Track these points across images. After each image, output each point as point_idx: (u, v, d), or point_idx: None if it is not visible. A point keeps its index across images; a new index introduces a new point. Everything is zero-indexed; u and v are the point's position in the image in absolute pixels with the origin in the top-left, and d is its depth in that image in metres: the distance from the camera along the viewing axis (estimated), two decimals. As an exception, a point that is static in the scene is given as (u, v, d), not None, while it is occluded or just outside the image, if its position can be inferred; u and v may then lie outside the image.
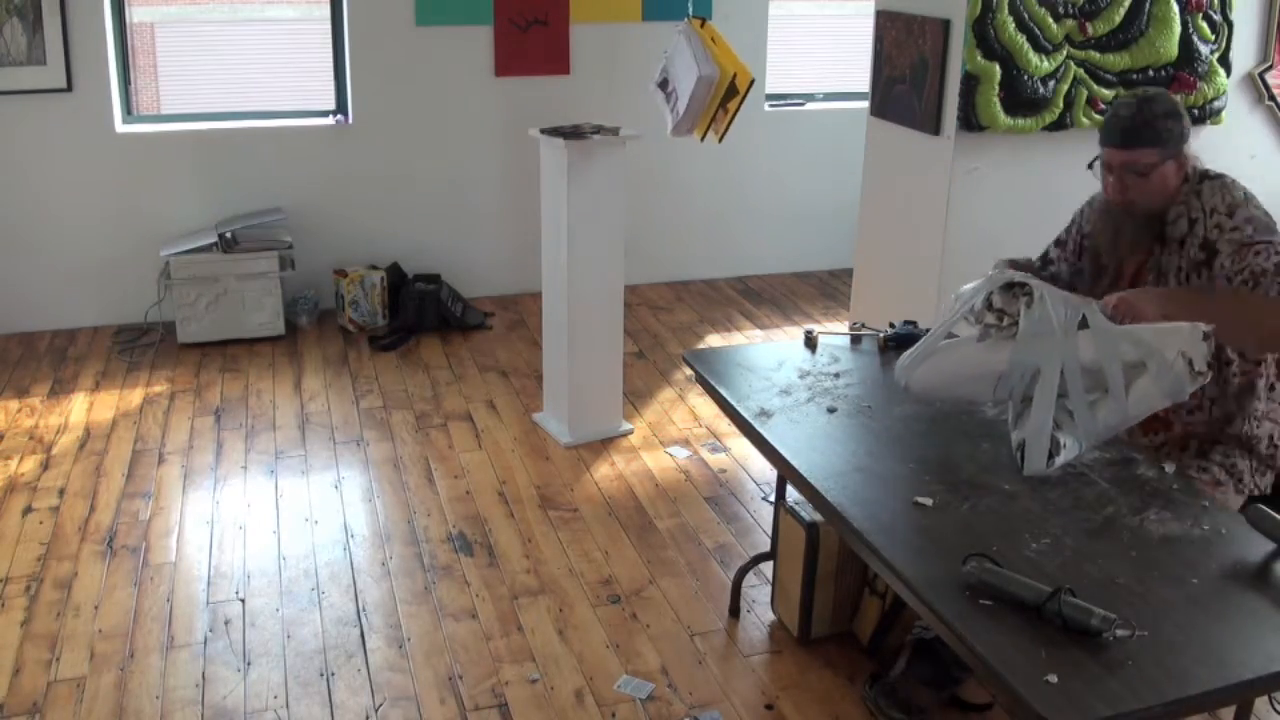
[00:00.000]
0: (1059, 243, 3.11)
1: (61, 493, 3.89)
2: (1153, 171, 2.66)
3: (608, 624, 3.23)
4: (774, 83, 6.23)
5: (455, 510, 3.84)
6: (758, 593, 3.36)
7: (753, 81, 4.24)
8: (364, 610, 3.27)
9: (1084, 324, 2.42)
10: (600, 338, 4.30)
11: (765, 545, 3.50)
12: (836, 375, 2.98)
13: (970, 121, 4.20)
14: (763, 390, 2.88)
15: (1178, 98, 2.90)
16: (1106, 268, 2.85)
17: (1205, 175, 2.71)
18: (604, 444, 4.33)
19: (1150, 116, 2.65)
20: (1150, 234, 2.74)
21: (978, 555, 2.09)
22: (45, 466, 4.08)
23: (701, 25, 4.39)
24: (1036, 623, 1.93)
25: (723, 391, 2.90)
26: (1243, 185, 2.70)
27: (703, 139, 4.49)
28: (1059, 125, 4.32)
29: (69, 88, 5.11)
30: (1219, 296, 2.59)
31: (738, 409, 2.80)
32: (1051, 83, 4.25)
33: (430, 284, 5.50)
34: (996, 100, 4.18)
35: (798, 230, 6.46)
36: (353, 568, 3.49)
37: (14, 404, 4.60)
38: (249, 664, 3.02)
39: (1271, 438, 2.69)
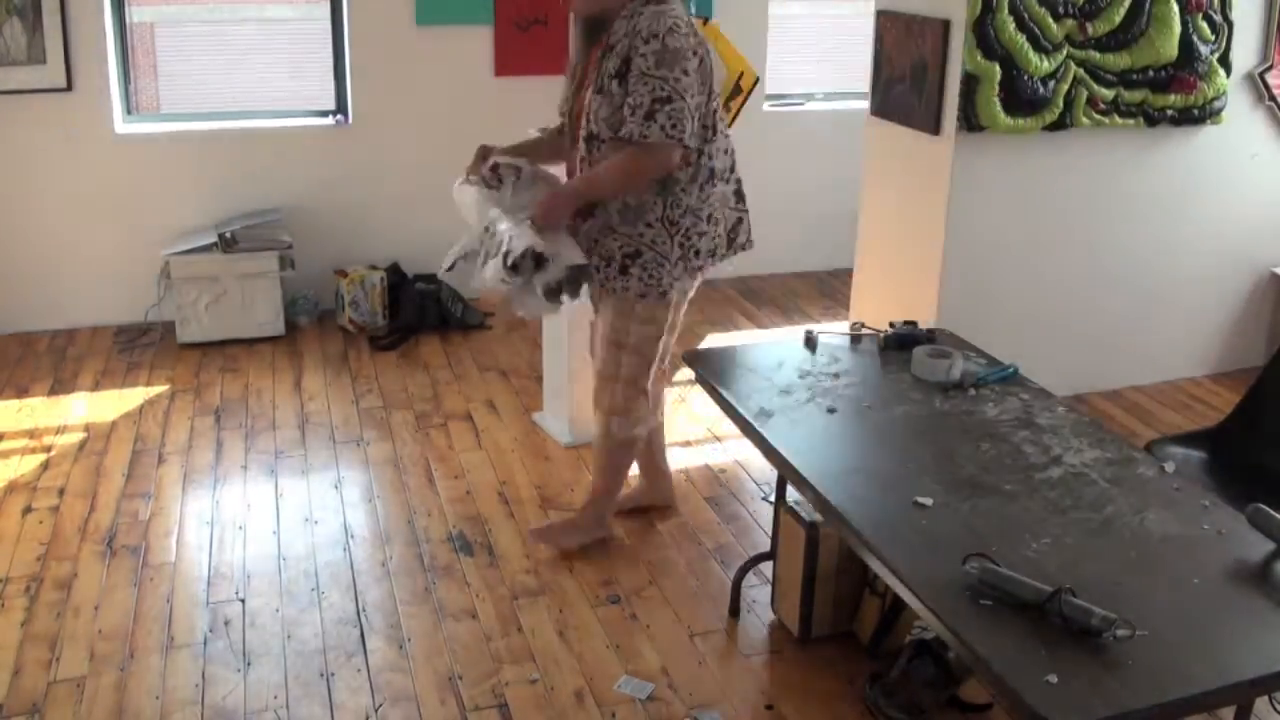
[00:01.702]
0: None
1: (61, 493, 3.89)
2: None
3: (608, 624, 3.23)
4: (774, 83, 6.22)
5: (455, 510, 3.84)
6: (758, 593, 3.36)
7: (757, 80, 4.25)
8: (364, 610, 3.27)
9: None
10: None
11: (765, 545, 3.50)
12: (836, 375, 2.98)
13: (970, 121, 4.20)
14: (763, 390, 2.88)
15: None
16: (578, 69, 3.29)
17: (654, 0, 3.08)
18: (604, 444, 4.33)
19: None
20: (594, 40, 3.18)
21: (978, 555, 2.09)
22: (45, 466, 4.08)
23: (704, 24, 4.39)
24: (1036, 623, 1.93)
25: (723, 391, 2.91)
26: (678, 15, 3.05)
27: None
28: (1059, 125, 4.32)
29: (69, 87, 5.11)
30: (584, 183, 3.20)
31: (738, 409, 2.81)
32: (1051, 83, 4.25)
33: (430, 284, 5.50)
34: (996, 100, 4.18)
35: (798, 230, 6.45)
36: (353, 568, 3.49)
37: (14, 404, 4.60)
38: (249, 664, 3.02)
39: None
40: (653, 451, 3.76)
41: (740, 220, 3.40)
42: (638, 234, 3.20)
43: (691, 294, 3.42)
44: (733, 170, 3.34)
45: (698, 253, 3.26)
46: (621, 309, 3.30)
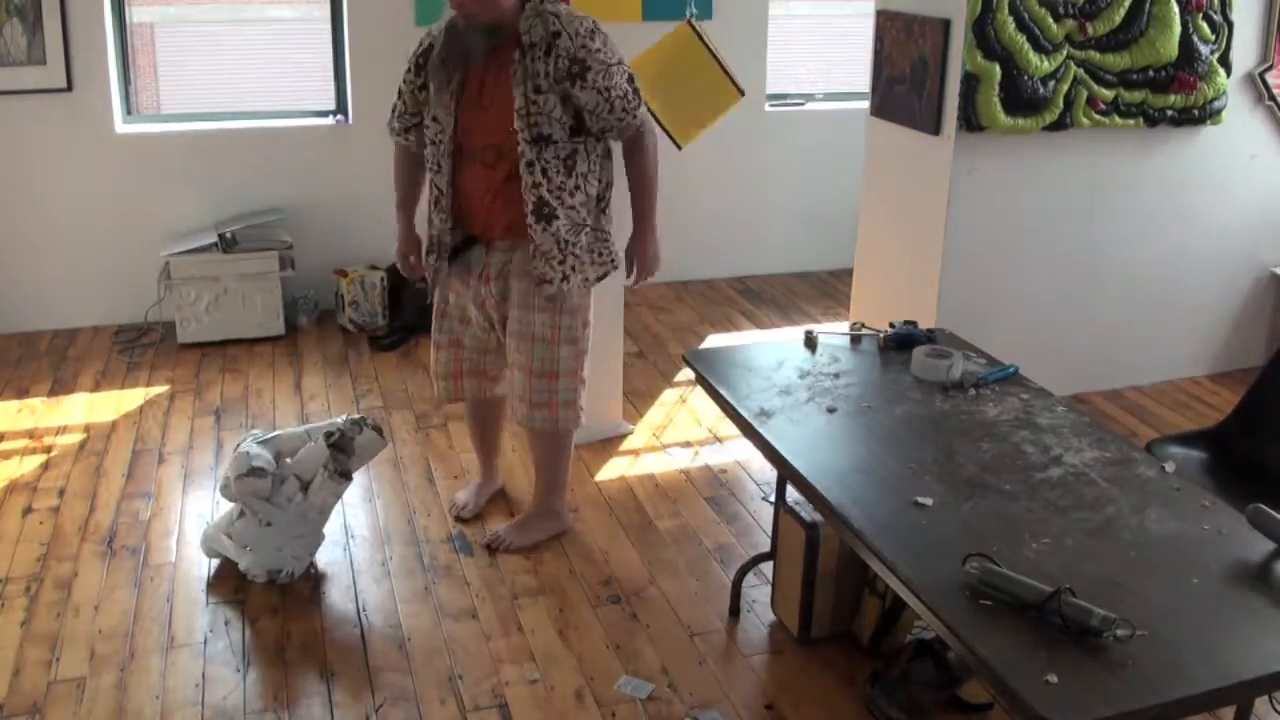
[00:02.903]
0: (400, 94, 3.56)
1: (61, 493, 3.89)
2: None
3: (608, 624, 3.23)
4: (774, 83, 6.22)
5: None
6: (758, 593, 3.36)
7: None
8: (364, 610, 3.27)
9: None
10: (600, 338, 4.30)
11: (765, 545, 3.50)
12: (836, 375, 2.98)
13: (970, 121, 4.20)
14: (763, 390, 2.88)
15: None
16: (451, 79, 3.24)
17: None
18: (604, 444, 4.33)
19: None
20: (504, 43, 3.15)
21: (978, 555, 2.09)
22: (45, 466, 4.08)
23: (692, 27, 4.41)
24: (1036, 623, 1.93)
25: (723, 391, 2.90)
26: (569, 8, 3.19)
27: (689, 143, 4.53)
28: (1059, 125, 4.32)
29: (69, 88, 5.11)
30: (648, 208, 3.43)
31: (738, 409, 2.81)
32: (1051, 83, 4.26)
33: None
34: (996, 100, 4.18)
35: (798, 230, 6.45)
36: (353, 568, 3.49)
37: (14, 404, 4.60)
38: (249, 664, 3.02)
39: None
40: (495, 434, 3.83)
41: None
42: (583, 218, 3.29)
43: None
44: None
45: (608, 219, 3.42)
46: (565, 305, 3.32)
